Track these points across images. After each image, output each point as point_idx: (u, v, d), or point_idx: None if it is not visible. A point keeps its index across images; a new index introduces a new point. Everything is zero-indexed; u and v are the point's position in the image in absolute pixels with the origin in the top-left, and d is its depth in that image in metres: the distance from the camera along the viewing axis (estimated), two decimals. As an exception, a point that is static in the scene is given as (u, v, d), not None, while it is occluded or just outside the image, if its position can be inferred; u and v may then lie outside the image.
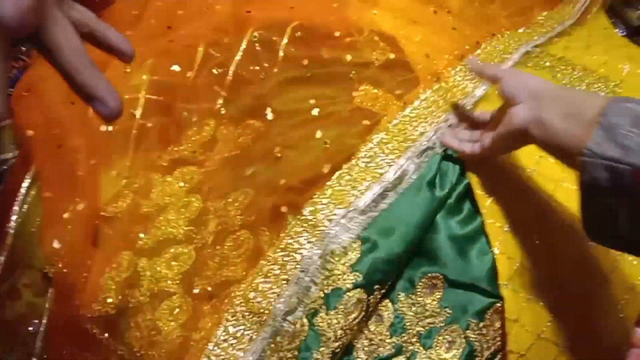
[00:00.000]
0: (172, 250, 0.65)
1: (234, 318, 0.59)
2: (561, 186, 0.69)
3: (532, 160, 0.72)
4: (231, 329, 0.58)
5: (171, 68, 0.70)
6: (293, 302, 0.59)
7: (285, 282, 0.59)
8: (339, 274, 0.62)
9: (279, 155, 0.69)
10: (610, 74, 0.88)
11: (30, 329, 0.60)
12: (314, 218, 0.62)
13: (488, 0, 0.89)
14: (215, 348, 0.58)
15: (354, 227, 0.63)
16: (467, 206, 0.69)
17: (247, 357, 0.57)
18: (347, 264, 0.62)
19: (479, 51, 0.79)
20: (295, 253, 0.61)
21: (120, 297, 0.62)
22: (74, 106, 0.68)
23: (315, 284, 0.60)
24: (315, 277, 0.60)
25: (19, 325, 0.61)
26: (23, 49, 0.87)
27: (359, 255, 0.62)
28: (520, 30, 0.87)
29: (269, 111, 0.73)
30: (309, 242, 0.61)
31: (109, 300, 0.61)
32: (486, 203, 0.69)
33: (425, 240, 0.66)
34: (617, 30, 1.15)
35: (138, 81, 0.68)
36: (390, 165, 0.66)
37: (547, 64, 0.89)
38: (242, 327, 0.58)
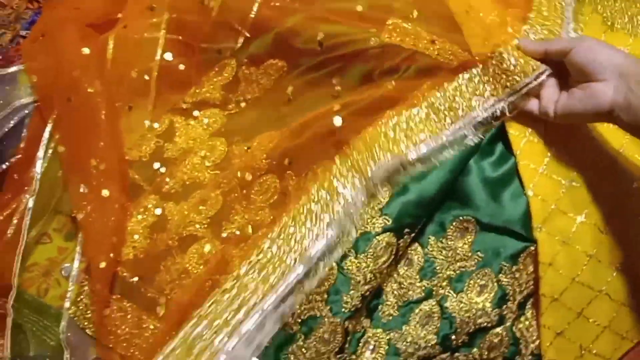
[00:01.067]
0: (198, 194, 0.65)
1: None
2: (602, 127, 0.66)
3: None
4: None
5: (190, 7, 0.66)
6: (332, 245, 0.57)
7: (327, 224, 0.57)
8: (368, 218, 0.60)
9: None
10: (655, 4, 0.82)
11: (63, 272, 0.61)
12: (361, 162, 0.59)
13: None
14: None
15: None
16: (499, 147, 0.66)
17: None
18: (376, 207, 0.61)
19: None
20: (339, 197, 0.58)
21: (148, 241, 0.62)
22: (90, 50, 0.66)
23: (356, 229, 0.58)
24: (357, 221, 0.58)
25: (52, 268, 0.61)
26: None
27: (388, 199, 0.61)
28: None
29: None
30: (354, 187, 0.59)
31: (138, 244, 0.61)
32: (520, 143, 0.66)
33: (457, 183, 0.64)
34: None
35: (158, 19, 0.65)
36: (451, 125, 0.62)
37: (588, -4, 0.84)
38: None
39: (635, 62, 0.53)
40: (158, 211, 0.63)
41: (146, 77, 0.66)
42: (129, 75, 0.66)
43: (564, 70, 0.59)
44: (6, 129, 0.65)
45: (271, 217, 0.62)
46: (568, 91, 0.58)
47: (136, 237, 0.62)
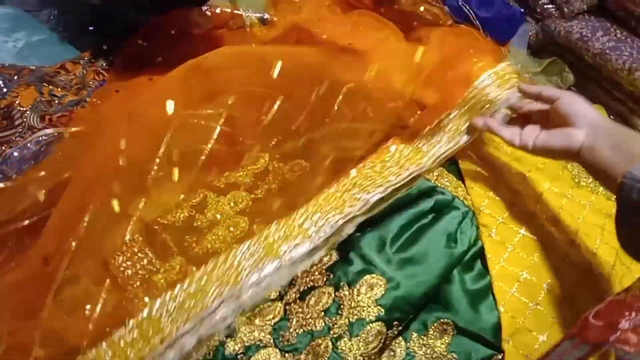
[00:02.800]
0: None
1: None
2: (572, 248, 0.80)
3: (542, 228, 0.82)
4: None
5: (247, 110, 0.80)
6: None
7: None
8: (364, 306, 0.70)
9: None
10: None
11: (86, 312, 0.67)
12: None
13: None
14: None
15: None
16: (478, 265, 0.79)
17: None
18: (372, 298, 0.70)
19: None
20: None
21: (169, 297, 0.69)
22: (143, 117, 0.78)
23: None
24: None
25: (75, 308, 0.68)
26: (104, 64, 0.97)
27: (383, 292, 0.71)
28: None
29: (316, 153, 0.83)
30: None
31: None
32: (495, 267, 0.78)
33: (441, 289, 0.75)
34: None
35: (217, 111, 0.78)
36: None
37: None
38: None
39: (604, 120, 0.70)
40: (182, 273, 0.71)
41: (194, 156, 0.77)
42: (179, 152, 0.77)
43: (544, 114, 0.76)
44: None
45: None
46: (548, 130, 0.74)
47: (160, 291, 0.69)
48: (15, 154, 0.80)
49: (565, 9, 1.43)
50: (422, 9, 1.30)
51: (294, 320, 0.71)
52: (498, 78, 0.86)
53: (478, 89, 0.85)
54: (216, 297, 0.67)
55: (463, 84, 0.88)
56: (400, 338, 0.73)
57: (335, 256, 0.76)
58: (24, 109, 0.86)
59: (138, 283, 0.70)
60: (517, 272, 0.78)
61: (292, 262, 0.73)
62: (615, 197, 0.60)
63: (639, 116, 1.32)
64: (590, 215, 0.87)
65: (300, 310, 0.72)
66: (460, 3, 1.42)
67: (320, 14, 1.07)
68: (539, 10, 1.49)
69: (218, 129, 0.78)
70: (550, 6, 1.47)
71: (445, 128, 0.87)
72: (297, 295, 0.73)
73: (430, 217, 0.81)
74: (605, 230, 0.85)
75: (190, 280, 0.69)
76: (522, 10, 1.53)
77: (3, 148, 0.82)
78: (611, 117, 1.34)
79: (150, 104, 0.78)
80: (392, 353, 0.72)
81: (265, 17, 1.10)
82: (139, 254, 0.72)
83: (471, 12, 1.41)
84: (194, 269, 0.72)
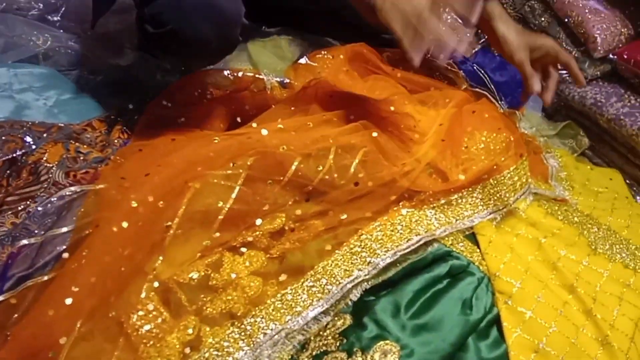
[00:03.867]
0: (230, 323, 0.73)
1: None
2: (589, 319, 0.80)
3: (559, 296, 0.81)
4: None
5: (265, 171, 0.83)
6: None
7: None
8: (379, 372, 0.69)
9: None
10: (632, 237, 0.98)
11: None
12: None
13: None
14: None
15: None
16: (494, 332, 0.77)
17: None
18: (387, 365, 0.69)
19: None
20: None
21: (180, 358, 0.69)
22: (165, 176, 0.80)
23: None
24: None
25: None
26: (129, 123, 1.01)
27: (397, 359, 0.70)
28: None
29: (331, 214, 0.84)
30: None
31: (171, 357, 0.69)
32: (512, 335, 0.77)
33: (456, 357, 0.74)
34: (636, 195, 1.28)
35: (236, 172, 0.80)
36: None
37: (576, 219, 1.01)
38: None
39: None
40: (195, 331, 0.71)
41: (212, 217, 0.79)
42: (198, 211, 0.78)
43: None
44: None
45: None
46: None
47: (172, 351, 0.69)
48: (40, 209, 0.82)
49: (579, 75, 1.45)
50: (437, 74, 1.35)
51: (307, 385, 0.70)
52: (516, 175, 0.93)
53: (498, 182, 0.93)
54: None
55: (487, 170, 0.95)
56: (415, 408, 0.71)
57: (349, 320, 0.76)
58: (50, 165, 0.89)
59: (151, 342, 0.70)
60: (534, 342, 0.76)
61: (299, 326, 0.73)
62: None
63: (656, 181, 1.32)
64: (607, 284, 0.86)
65: (313, 375, 0.71)
66: (475, 68, 1.46)
67: (338, 79, 1.11)
68: (553, 75, 1.52)
69: (237, 189, 0.79)
70: (564, 72, 1.50)
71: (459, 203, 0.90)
72: (310, 360, 0.73)
73: (445, 282, 0.80)
74: (624, 300, 0.84)
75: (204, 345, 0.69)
76: (536, 75, 1.56)
77: (28, 203, 0.84)
78: (627, 181, 1.34)
79: (174, 163, 0.80)
80: (406, 423, 0.70)
81: (285, 81, 1.14)
82: (154, 313, 0.72)
83: (486, 76, 1.44)
84: (207, 329, 0.72)
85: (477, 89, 1.31)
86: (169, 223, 0.77)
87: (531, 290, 0.82)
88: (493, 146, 0.98)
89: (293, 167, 0.84)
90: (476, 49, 1.64)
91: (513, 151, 0.98)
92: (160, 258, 0.76)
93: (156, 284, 0.73)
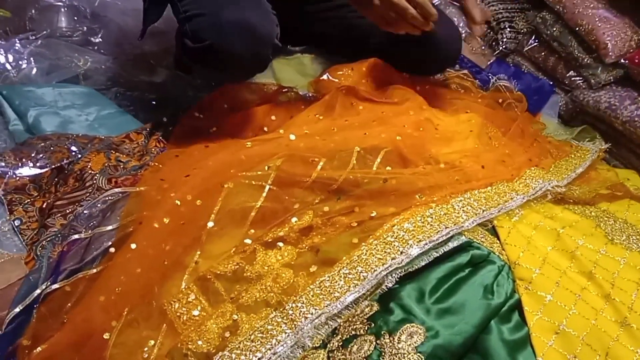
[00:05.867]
0: (265, 311, 0.78)
1: None
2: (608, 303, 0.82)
3: (578, 282, 0.84)
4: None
5: (293, 171, 0.89)
6: None
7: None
8: (405, 353, 0.73)
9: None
10: (648, 230, 1.01)
11: (144, 355, 0.72)
12: None
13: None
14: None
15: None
16: (515, 317, 0.81)
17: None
18: (412, 346, 0.73)
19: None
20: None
21: (220, 341, 0.74)
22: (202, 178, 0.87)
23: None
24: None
25: (134, 350, 0.73)
26: (164, 134, 1.08)
27: (423, 340, 0.74)
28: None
29: (357, 210, 0.89)
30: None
31: (215, 342, 0.74)
32: (533, 319, 0.80)
33: (481, 340, 0.77)
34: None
35: (266, 172, 0.86)
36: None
37: (593, 213, 1.04)
38: None
39: None
40: (232, 318, 0.77)
41: (245, 214, 0.85)
42: (232, 209, 0.84)
43: None
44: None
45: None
46: None
47: (210, 335, 0.74)
48: (86, 212, 0.89)
49: (592, 81, 1.50)
50: (454, 86, 1.40)
51: (337, 366, 0.74)
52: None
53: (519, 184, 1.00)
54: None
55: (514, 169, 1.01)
56: (442, 387, 0.75)
57: (376, 307, 0.80)
58: (94, 172, 0.96)
59: (192, 328, 0.75)
60: (555, 324, 0.79)
61: (337, 310, 0.78)
62: None
63: (673, 180, 1.33)
64: (625, 271, 0.88)
65: (343, 357, 0.75)
66: (491, 77, 1.51)
67: (359, 88, 1.17)
68: (567, 82, 1.56)
69: (267, 188, 0.85)
70: (578, 78, 1.55)
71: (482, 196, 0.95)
72: (340, 344, 0.77)
73: (467, 270, 0.84)
74: (642, 285, 0.86)
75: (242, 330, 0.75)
76: (551, 82, 1.61)
77: (75, 206, 0.91)
78: (645, 181, 1.37)
79: (209, 166, 0.87)
80: (434, 401, 0.73)
81: (308, 95, 1.21)
82: (194, 301, 0.78)
83: (504, 87, 1.49)
84: (244, 315, 0.77)
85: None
86: (207, 221, 0.83)
87: (550, 276, 0.85)
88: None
89: (318, 168, 0.90)
90: (491, 60, 1.70)
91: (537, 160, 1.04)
92: (199, 252, 0.82)
93: (195, 276, 0.79)
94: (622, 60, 1.47)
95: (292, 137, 0.95)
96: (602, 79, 1.49)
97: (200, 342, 0.74)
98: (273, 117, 1.15)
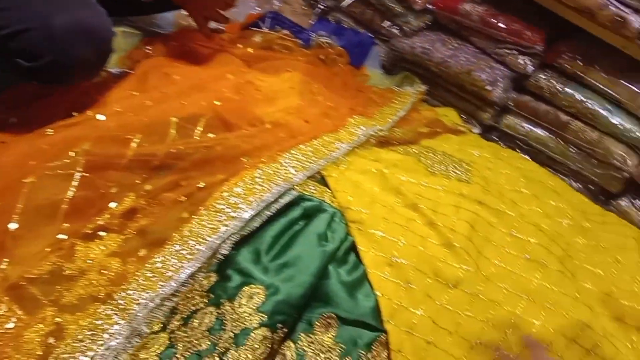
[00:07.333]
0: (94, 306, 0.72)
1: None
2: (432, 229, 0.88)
3: (404, 215, 0.89)
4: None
5: (105, 153, 0.82)
6: None
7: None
8: (246, 316, 0.72)
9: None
10: (463, 157, 1.10)
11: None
12: None
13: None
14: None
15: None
16: (352, 258, 0.84)
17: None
18: (252, 307, 0.73)
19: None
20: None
21: (44, 349, 0.67)
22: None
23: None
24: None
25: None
26: None
27: (263, 299, 0.73)
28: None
29: (184, 184, 0.85)
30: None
31: (37, 352, 0.66)
32: (368, 256, 0.84)
33: (321, 286, 0.79)
34: (471, 127, 1.42)
35: (72, 160, 0.79)
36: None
37: (415, 151, 1.11)
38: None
39: None
40: (57, 320, 0.69)
41: (55, 208, 0.76)
42: (38, 205, 0.76)
43: None
44: None
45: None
46: None
47: (32, 345, 0.67)
48: None
49: (406, 29, 1.58)
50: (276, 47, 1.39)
51: (180, 345, 0.71)
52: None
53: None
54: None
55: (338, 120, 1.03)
56: (289, 341, 0.75)
57: (214, 277, 0.78)
58: None
59: (8, 342, 0.67)
60: (387, 257, 0.83)
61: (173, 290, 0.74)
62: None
63: (484, 111, 1.47)
64: (445, 198, 0.96)
65: (185, 335, 0.72)
66: (312, 36, 1.53)
67: (174, 59, 1.12)
68: (384, 32, 1.64)
69: (78, 175, 0.78)
70: (393, 28, 1.62)
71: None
72: (181, 322, 0.73)
73: (301, 223, 0.85)
74: (460, 208, 0.94)
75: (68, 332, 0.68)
76: (371, 35, 1.67)
77: None
78: (463, 116, 1.49)
79: (4, 163, 0.77)
80: (283, 357, 0.73)
81: (119, 71, 1.12)
82: (6, 313, 0.69)
83: (325, 43, 1.52)
84: (68, 316, 0.70)
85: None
86: (8, 223, 0.74)
87: (379, 214, 0.89)
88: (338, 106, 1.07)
89: (134, 145, 0.84)
90: (312, 20, 1.72)
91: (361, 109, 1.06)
92: (7, 260, 0.73)
93: (5, 286, 0.70)
94: (429, 6, 1.57)
95: (101, 117, 0.88)
96: (414, 26, 1.58)
97: (18, 356, 0.66)
98: (83, 101, 1.05)
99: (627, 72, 1.35)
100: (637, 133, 1.35)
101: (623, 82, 1.35)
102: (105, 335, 0.69)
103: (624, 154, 1.35)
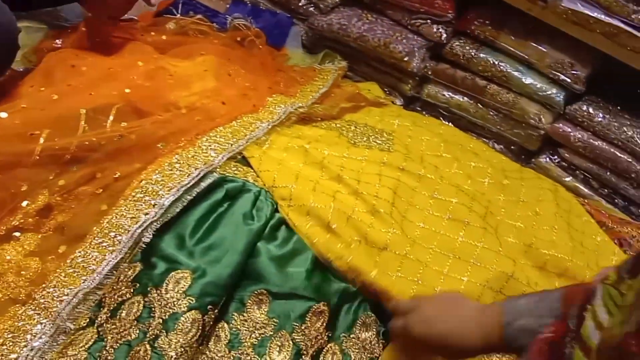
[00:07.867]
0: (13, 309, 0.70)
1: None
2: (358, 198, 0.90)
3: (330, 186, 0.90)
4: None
5: (10, 151, 0.79)
6: None
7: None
8: (174, 300, 0.71)
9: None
10: (384, 127, 1.13)
11: None
12: None
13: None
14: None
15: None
16: (281, 233, 0.84)
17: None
18: (180, 291, 0.72)
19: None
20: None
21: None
22: None
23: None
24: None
25: None
26: None
27: (190, 283, 0.73)
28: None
29: (100, 176, 0.83)
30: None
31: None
32: (304, 229, 0.85)
33: (250, 264, 0.79)
34: (394, 99, 1.45)
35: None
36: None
37: (337, 125, 1.12)
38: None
39: None
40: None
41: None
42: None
43: None
44: None
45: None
46: None
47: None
48: None
49: (322, 5, 1.58)
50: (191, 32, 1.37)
51: (109, 337, 0.70)
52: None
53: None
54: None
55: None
56: (223, 322, 0.75)
57: (139, 266, 0.76)
58: None
59: None
60: (324, 225, 0.85)
61: (96, 283, 0.73)
62: None
63: (405, 82, 1.50)
64: (367, 167, 0.98)
65: (114, 327, 0.71)
66: (228, 19, 1.51)
67: (81, 50, 1.07)
68: (301, 11, 1.63)
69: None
70: (309, 6, 1.62)
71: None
72: (108, 315, 0.72)
73: (225, 205, 0.85)
74: (382, 175, 0.96)
75: None
76: (289, 15, 1.67)
77: None
78: (385, 90, 1.52)
79: None
80: (217, 338, 0.74)
81: (23, 69, 1.07)
82: None
83: (242, 25, 1.50)
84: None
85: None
86: None
87: (306, 187, 0.90)
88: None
89: (41, 141, 0.81)
90: (228, 5, 1.70)
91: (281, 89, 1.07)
92: None
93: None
94: (342, -19, 1.58)
95: (3, 115, 0.84)
96: (330, 2, 1.59)
97: None
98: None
99: (535, 33, 1.42)
100: (549, 91, 1.42)
101: (532, 43, 1.41)
102: (28, 336, 0.67)
103: (538, 113, 1.42)
